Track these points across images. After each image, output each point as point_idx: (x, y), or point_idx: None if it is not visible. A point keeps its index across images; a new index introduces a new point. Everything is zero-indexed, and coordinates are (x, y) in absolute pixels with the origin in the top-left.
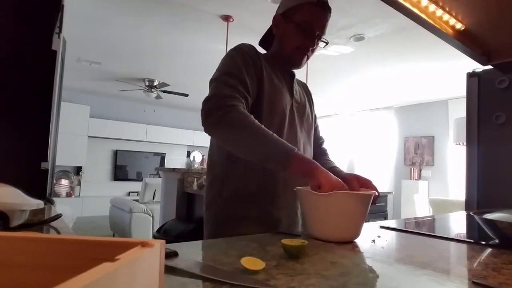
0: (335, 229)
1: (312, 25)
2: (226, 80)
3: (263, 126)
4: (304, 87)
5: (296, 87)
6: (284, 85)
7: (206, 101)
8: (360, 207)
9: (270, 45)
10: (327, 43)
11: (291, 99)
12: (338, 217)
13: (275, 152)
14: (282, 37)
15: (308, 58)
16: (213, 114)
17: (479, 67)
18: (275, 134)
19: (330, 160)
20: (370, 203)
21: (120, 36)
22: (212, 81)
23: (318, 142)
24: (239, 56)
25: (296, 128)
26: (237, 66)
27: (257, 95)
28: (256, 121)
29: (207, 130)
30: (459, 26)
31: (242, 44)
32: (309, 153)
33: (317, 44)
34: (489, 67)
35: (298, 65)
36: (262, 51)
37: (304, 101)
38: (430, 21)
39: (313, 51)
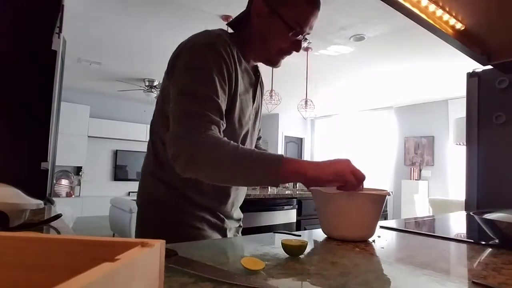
0: (353, 228)
1: (303, 28)
2: (195, 104)
3: (239, 148)
4: (259, 78)
5: (258, 88)
6: (250, 89)
7: (173, 139)
8: (376, 206)
9: (240, 26)
10: (309, 43)
11: (252, 107)
12: (355, 216)
13: (266, 173)
14: (265, 33)
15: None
16: (182, 157)
17: (479, 67)
18: (255, 150)
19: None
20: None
21: (120, 36)
22: (180, 102)
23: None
24: (215, 64)
25: (251, 140)
26: (211, 81)
27: (228, 106)
28: (230, 145)
29: (180, 173)
30: (459, 26)
31: (218, 39)
32: None
33: (302, 44)
34: (489, 67)
35: (276, 65)
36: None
37: (259, 102)
38: (430, 21)
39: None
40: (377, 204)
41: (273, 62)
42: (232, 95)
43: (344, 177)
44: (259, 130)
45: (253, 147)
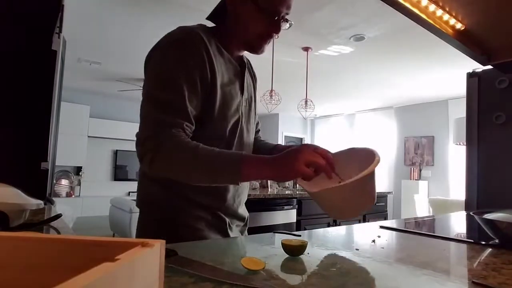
0: (352, 210)
1: (278, 8)
2: (158, 107)
3: (199, 148)
4: (250, 68)
5: (246, 78)
6: (236, 80)
7: (138, 141)
8: (368, 183)
9: (220, 18)
10: (291, 25)
11: (241, 98)
12: (349, 202)
13: (224, 173)
14: (242, 21)
15: (270, 41)
16: (145, 159)
17: (479, 67)
18: (214, 149)
19: (266, 141)
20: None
21: (120, 36)
22: (145, 103)
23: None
24: (184, 63)
25: (243, 132)
26: (177, 82)
27: (207, 101)
28: (190, 145)
29: (148, 172)
30: (459, 26)
31: (189, 35)
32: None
33: (283, 26)
34: (489, 67)
35: (258, 51)
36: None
37: (251, 93)
38: (430, 21)
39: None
40: (367, 181)
41: (255, 48)
42: (210, 90)
43: (299, 174)
44: (257, 123)
45: (251, 140)
